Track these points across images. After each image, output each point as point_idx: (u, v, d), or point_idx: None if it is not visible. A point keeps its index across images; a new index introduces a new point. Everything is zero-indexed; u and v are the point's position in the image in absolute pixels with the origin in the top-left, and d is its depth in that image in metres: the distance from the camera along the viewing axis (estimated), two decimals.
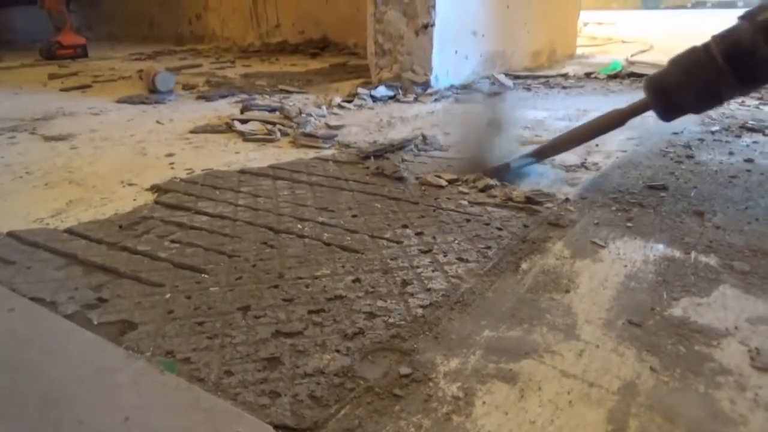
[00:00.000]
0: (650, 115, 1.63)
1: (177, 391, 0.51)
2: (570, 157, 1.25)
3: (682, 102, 0.95)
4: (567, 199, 1.00)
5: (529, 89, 2.19)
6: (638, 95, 1.98)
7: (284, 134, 1.51)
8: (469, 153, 1.18)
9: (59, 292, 0.72)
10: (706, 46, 0.91)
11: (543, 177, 1.14)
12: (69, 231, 0.91)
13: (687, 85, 0.93)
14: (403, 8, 2.01)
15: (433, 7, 1.96)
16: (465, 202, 1.00)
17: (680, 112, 0.98)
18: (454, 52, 2.14)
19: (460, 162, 1.19)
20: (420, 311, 0.67)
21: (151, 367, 0.54)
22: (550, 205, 0.98)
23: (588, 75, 2.48)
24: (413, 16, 2.01)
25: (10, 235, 0.89)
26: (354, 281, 0.74)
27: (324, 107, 1.79)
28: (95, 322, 0.65)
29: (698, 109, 0.97)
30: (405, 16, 2.02)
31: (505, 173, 1.11)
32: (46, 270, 0.78)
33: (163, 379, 0.52)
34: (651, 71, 2.37)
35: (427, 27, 1.99)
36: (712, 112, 1.66)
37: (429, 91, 2.05)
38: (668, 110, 0.98)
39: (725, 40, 0.89)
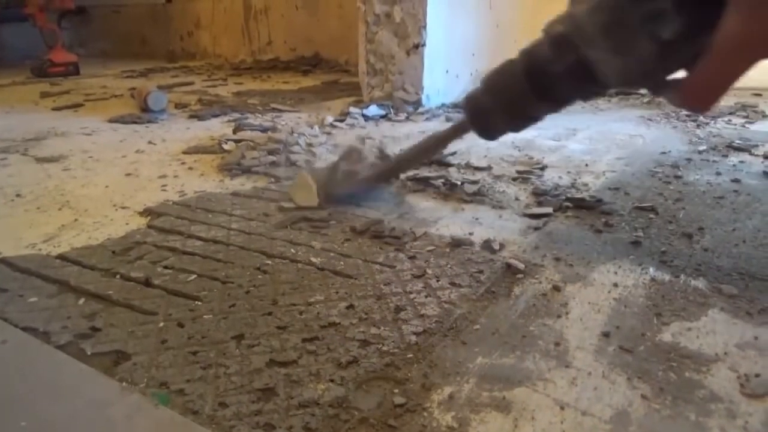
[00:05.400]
0: (639, 135, 1.67)
1: (171, 425, 0.51)
2: (563, 177, 1.27)
3: (498, 123, 0.87)
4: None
5: None
6: (626, 113, 2.02)
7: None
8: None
9: (52, 321, 0.72)
10: (513, 61, 0.82)
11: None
12: (62, 257, 0.91)
13: (498, 106, 0.84)
14: (394, 28, 2.04)
15: (424, 27, 1.99)
16: None
17: (499, 133, 0.89)
18: (444, 71, 2.17)
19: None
20: (414, 338, 0.67)
21: (145, 400, 0.54)
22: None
23: None
24: (404, 36, 2.03)
25: (2, 261, 0.89)
26: (348, 307, 0.74)
27: (316, 127, 1.80)
28: (89, 353, 0.65)
29: (515, 129, 0.88)
30: (396, 36, 2.04)
31: (334, 201, 1.09)
32: (38, 298, 0.78)
33: (158, 414, 0.52)
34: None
35: (418, 47, 2.02)
36: (699, 131, 1.69)
37: (420, 110, 2.07)
38: (486, 132, 0.90)
39: (525, 55, 0.79)
